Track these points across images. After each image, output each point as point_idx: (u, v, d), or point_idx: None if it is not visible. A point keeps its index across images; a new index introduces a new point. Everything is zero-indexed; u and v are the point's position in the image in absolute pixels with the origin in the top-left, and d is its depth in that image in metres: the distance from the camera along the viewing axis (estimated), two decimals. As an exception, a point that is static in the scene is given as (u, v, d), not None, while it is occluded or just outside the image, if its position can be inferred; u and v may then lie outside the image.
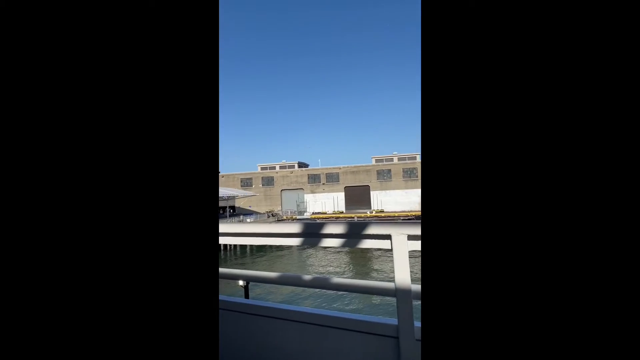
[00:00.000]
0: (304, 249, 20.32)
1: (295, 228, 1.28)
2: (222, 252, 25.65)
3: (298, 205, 34.46)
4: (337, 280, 1.33)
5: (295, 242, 1.33)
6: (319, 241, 1.26)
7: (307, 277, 1.36)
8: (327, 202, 34.03)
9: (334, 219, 27.36)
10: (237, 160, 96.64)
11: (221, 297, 1.40)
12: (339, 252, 19.99)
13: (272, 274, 1.46)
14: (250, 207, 33.91)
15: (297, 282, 1.40)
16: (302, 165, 38.42)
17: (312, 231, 1.25)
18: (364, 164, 34.06)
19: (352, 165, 34.36)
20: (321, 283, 1.38)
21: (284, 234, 1.32)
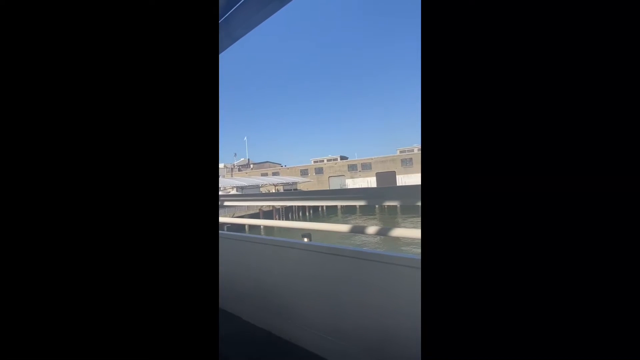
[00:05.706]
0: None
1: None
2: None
3: (341, 187, 47.01)
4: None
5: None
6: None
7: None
8: (363, 184, 45.84)
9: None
10: (295, 155, 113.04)
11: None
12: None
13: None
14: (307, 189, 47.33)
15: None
16: (343, 157, 51.17)
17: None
18: (390, 155, 45.11)
19: (382, 156, 45.61)
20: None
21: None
